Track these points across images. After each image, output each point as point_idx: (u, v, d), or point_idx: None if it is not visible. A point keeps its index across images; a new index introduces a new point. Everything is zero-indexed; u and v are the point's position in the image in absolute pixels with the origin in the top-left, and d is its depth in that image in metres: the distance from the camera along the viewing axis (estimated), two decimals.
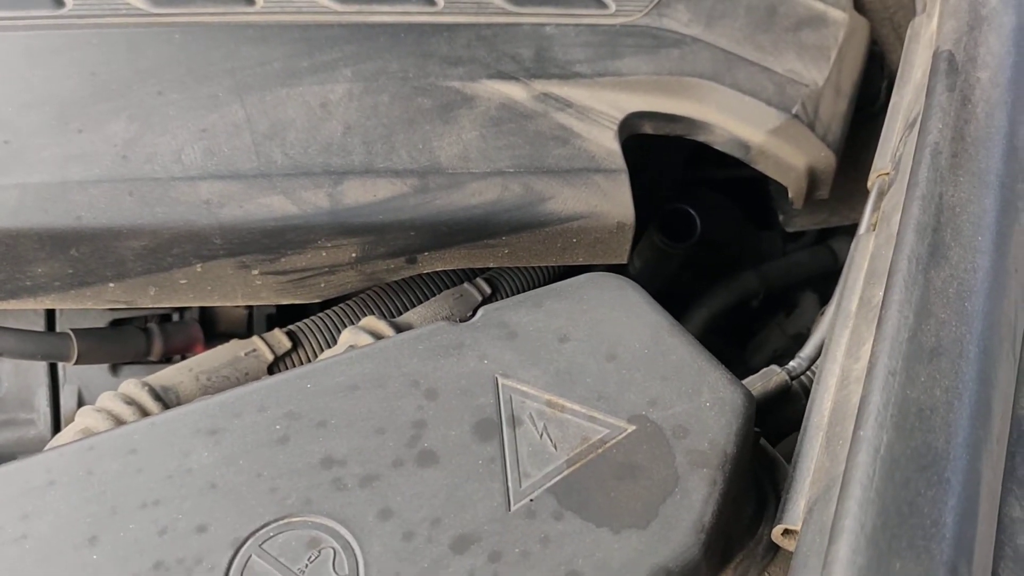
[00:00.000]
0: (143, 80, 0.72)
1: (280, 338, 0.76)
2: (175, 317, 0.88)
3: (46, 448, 0.68)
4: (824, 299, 1.02)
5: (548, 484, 0.53)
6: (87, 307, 0.72)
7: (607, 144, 0.72)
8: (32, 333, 0.76)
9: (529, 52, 0.77)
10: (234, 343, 0.76)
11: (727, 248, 1.00)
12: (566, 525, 0.51)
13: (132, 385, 0.69)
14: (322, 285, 0.72)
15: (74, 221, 0.66)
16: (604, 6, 0.82)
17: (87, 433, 0.67)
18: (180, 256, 0.68)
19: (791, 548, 0.53)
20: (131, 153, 0.68)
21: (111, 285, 0.69)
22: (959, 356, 0.49)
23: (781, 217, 0.90)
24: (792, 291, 1.02)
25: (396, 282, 0.80)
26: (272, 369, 0.75)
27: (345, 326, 0.77)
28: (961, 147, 0.57)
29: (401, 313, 0.78)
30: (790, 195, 0.79)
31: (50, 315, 0.86)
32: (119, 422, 0.67)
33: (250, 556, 0.50)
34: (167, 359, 0.85)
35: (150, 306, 0.72)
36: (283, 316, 0.91)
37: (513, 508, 0.52)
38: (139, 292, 0.70)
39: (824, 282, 1.04)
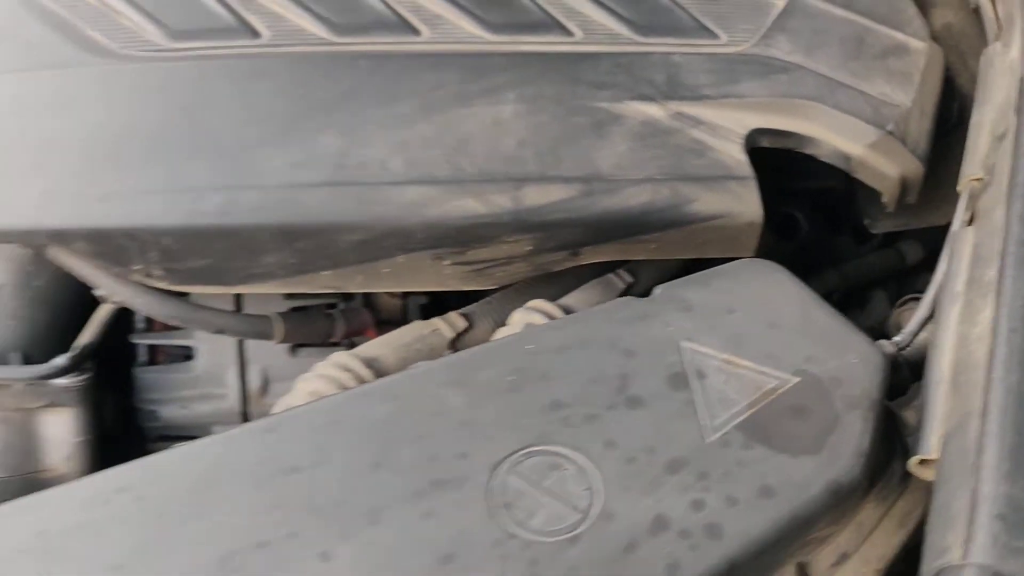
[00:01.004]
0: (343, 101, 0.86)
1: (456, 320, 0.89)
2: (340, 305, 1.01)
3: (275, 410, 0.81)
4: (893, 296, 1.15)
5: (735, 422, 0.66)
6: (301, 291, 0.85)
7: (736, 155, 0.86)
8: (247, 315, 0.90)
9: (662, 77, 0.91)
10: (418, 324, 0.89)
11: (809, 249, 1.14)
12: (755, 453, 0.64)
13: (345, 356, 0.82)
14: (499, 274, 0.85)
15: (302, 218, 0.79)
16: (716, 36, 0.96)
17: (316, 395, 0.80)
18: (387, 248, 0.81)
19: (926, 476, 0.66)
20: (345, 162, 0.82)
21: (325, 273, 0.82)
22: None
23: (867, 221, 1.03)
24: (864, 289, 1.16)
25: (545, 274, 0.93)
26: (453, 345, 0.88)
27: (508, 311, 0.90)
28: None
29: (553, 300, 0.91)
30: (884, 200, 0.93)
31: (236, 299, 0.98)
32: (341, 386, 0.80)
33: (507, 476, 0.63)
34: (337, 342, 0.98)
35: (354, 291, 0.85)
36: (433, 306, 1.04)
37: (709, 440, 0.65)
38: (347, 279, 0.83)
39: (892, 280, 1.18)
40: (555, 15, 0.95)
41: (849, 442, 0.65)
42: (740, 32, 0.97)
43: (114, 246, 0.79)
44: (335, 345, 0.99)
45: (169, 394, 0.98)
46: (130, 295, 0.83)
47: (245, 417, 0.99)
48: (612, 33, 0.94)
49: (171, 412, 0.98)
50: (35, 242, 0.80)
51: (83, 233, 0.78)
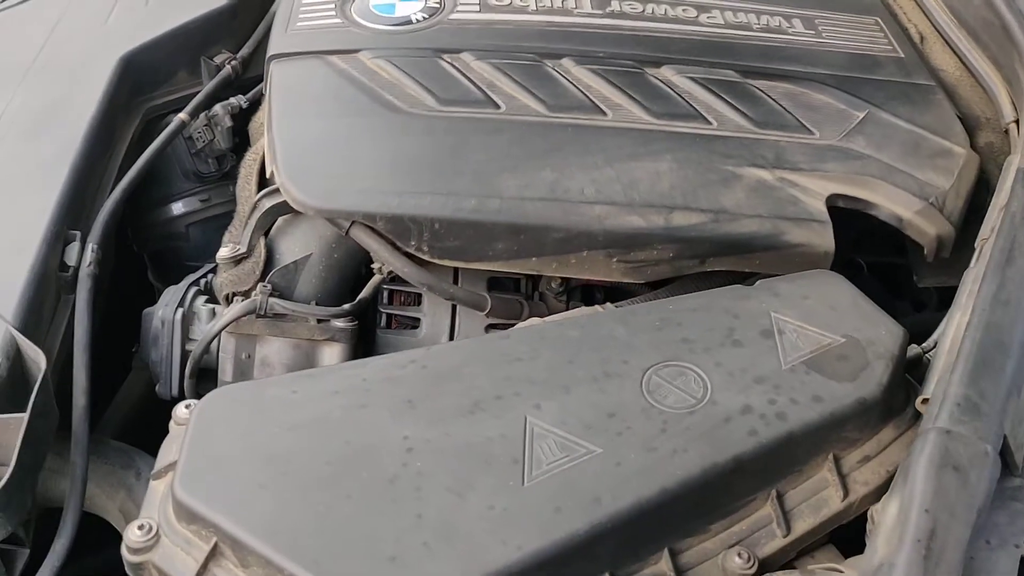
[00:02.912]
0: (555, 151, 1.28)
1: (612, 307, 1.28)
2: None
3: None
4: None
5: (800, 360, 1.03)
6: (515, 271, 1.25)
7: (820, 207, 1.24)
8: (471, 291, 1.31)
9: (771, 155, 1.30)
10: (583, 308, 1.28)
11: None
12: (812, 377, 1.01)
13: (538, 319, 1.22)
14: (648, 272, 1.24)
15: (526, 220, 1.21)
16: (812, 132, 1.35)
17: None
18: (576, 245, 1.21)
19: (924, 410, 1.01)
20: (556, 187, 1.23)
21: (533, 259, 1.23)
22: (1018, 305, 0.98)
23: (915, 277, 1.39)
24: None
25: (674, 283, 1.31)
26: None
27: None
28: None
29: None
30: (925, 252, 1.29)
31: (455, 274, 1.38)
32: None
33: (652, 376, 1.01)
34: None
35: (548, 274, 1.25)
36: None
37: (783, 368, 1.02)
38: (546, 265, 1.23)
39: None
40: (699, 110, 1.36)
41: (874, 377, 1.01)
42: (829, 131, 1.36)
43: (402, 228, 1.21)
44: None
45: (400, 350, 1.39)
46: (401, 264, 1.25)
47: None
48: (739, 125, 1.35)
49: None
50: (350, 220, 1.22)
51: (386, 217, 1.21)
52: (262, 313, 1.26)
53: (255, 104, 1.59)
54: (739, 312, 1.08)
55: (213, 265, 1.43)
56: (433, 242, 1.22)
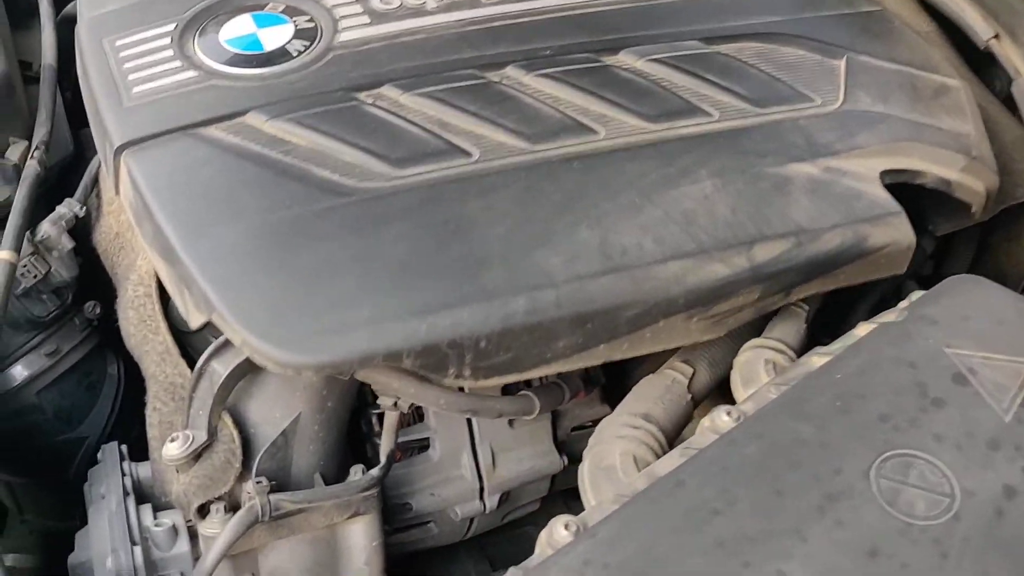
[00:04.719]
0: (576, 199, 0.99)
1: (683, 367, 1.04)
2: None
3: (583, 470, 0.93)
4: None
5: (1017, 402, 0.85)
6: (578, 367, 0.97)
7: (883, 195, 1.05)
8: (515, 397, 1.00)
9: (801, 140, 1.09)
10: (655, 377, 1.03)
11: None
12: None
13: (626, 418, 0.96)
14: (730, 322, 1.00)
15: (592, 305, 0.92)
16: (812, 99, 1.15)
17: (628, 454, 0.92)
18: (653, 316, 0.95)
19: None
20: (608, 251, 0.95)
21: (601, 347, 0.95)
22: None
23: (931, 227, 1.26)
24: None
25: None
26: (689, 388, 1.02)
27: (716, 353, 1.06)
28: None
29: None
30: (973, 210, 1.15)
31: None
32: (641, 441, 0.93)
33: (879, 481, 0.79)
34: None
35: (619, 357, 0.98)
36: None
37: (1007, 420, 0.84)
38: (616, 348, 0.96)
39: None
40: (692, 101, 1.11)
41: None
42: (826, 93, 1.17)
43: (438, 357, 0.88)
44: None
45: (416, 485, 1.07)
46: (437, 397, 0.92)
47: (482, 492, 1.09)
48: (740, 109, 1.12)
49: (422, 501, 1.07)
50: (363, 366, 0.88)
51: (416, 350, 0.87)
52: (265, 519, 0.89)
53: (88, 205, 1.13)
54: (912, 359, 0.88)
55: (115, 444, 1.02)
56: (478, 363, 0.90)
